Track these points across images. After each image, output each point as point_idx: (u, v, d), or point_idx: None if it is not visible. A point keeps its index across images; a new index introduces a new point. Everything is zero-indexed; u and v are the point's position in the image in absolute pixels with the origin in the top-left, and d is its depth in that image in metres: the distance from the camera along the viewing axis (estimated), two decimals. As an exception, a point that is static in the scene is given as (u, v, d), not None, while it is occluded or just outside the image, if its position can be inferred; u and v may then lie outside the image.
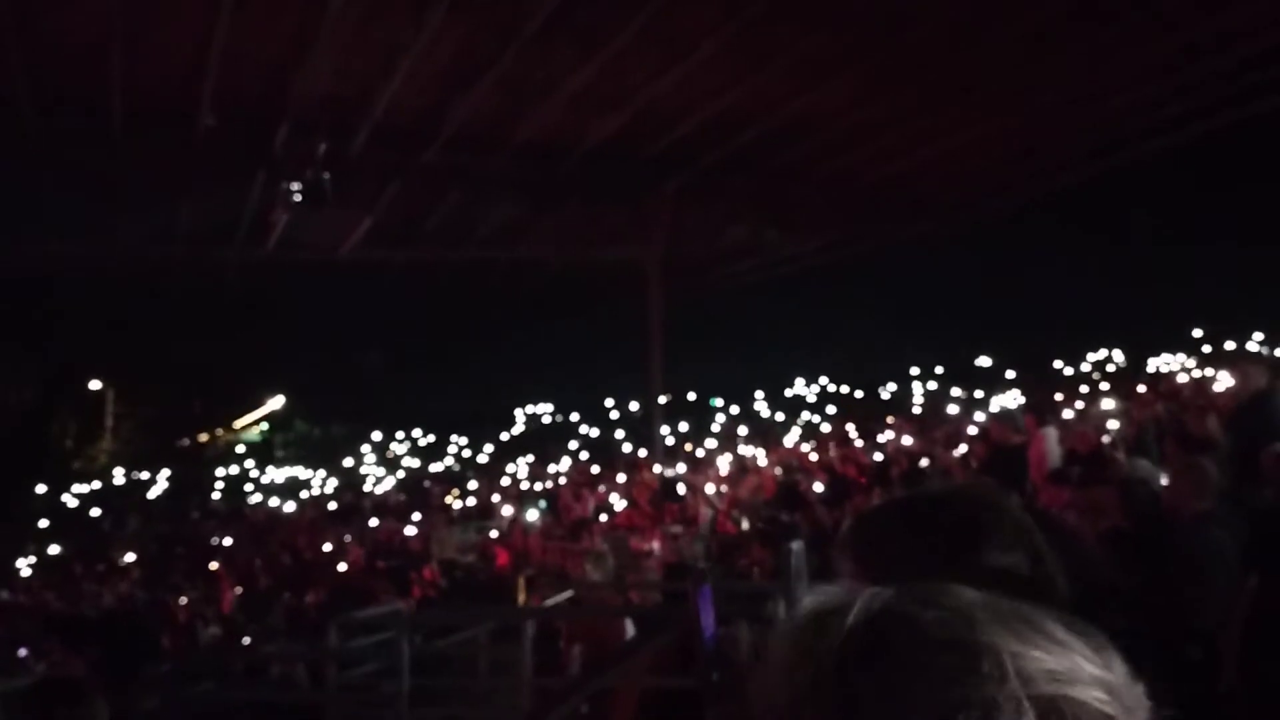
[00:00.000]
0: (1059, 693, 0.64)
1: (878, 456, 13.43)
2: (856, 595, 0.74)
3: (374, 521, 19.85)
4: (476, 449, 33.94)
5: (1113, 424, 10.61)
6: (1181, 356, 20.14)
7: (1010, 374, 22.42)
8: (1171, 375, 18.11)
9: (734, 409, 29.18)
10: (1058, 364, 22.33)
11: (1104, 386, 18.04)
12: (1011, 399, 18.65)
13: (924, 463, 11.70)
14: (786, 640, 0.75)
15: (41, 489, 34.12)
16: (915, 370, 25.74)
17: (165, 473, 36.79)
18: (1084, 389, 17.82)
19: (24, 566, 22.43)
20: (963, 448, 11.75)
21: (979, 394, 21.11)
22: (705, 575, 1.85)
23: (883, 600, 0.73)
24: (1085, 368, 21.94)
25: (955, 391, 22.86)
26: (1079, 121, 15.78)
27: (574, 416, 34.18)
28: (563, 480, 21.57)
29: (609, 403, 34.37)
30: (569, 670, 6.71)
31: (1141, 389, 15.77)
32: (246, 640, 10.47)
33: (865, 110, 14.48)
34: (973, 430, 13.34)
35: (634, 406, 29.12)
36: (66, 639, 14.03)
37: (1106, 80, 14.03)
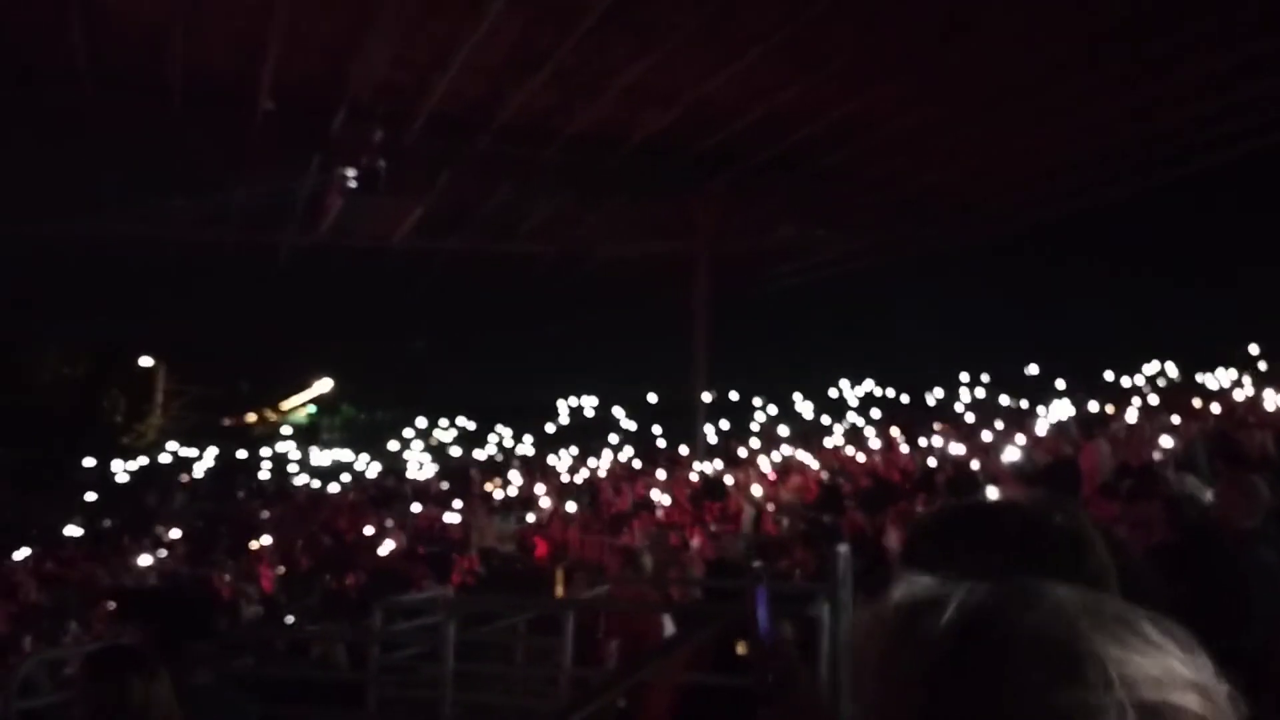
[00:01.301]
0: (1161, 699, 0.63)
1: (924, 462, 13.32)
2: (950, 589, 0.72)
3: (416, 507, 20.02)
4: (519, 439, 34.10)
5: (1166, 440, 10.44)
6: (1233, 372, 19.78)
7: (1060, 384, 22.10)
8: (1225, 391, 17.79)
9: (774, 409, 29.04)
10: (1108, 375, 21.99)
11: (1154, 400, 17.75)
12: (1061, 409, 18.40)
13: (973, 469, 11.58)
14: (878, 633, 0.73)
15: (90, 462, 34.79)
16: (963, 377, 25.46)
17: (212, 451, 37.35)
18: (1136, 402, 17.56)
19: (71, 539, 22.87)
20: (1015, 455, 11.59)
21: (1025, 403, 20.87)
22: (762, 575, 1.83)
23: (979, 598, 0.70)
24: (1138, 380, 21.60)
25: (1003, 400, 22.57)
26: (1132, 133, 15.55)
27: (617, 410, 34.17)
28: (604, 473, 21.60)
29: (652, 398, 34.36)
30: (606, 663, 6.72)
31: (1195, 403, 15.51)
32: (289, 619, 10.61)
33: (915, 115, 14.37)
34: (1022, 439, 13.18)
35: (677, 403, 29.13)
36: (115, 611, 14.28)
37: (1161, 92, 13.81)
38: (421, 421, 38.98)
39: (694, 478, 17.37)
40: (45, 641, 11.29)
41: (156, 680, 3.06)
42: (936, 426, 18.19)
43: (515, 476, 23.17)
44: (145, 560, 16.81)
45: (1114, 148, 16.24)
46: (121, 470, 35.19)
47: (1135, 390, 20.55)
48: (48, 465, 32.73)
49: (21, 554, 20.57)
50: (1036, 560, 1.36)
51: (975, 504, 1.78)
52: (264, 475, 35.52)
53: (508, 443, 34.78)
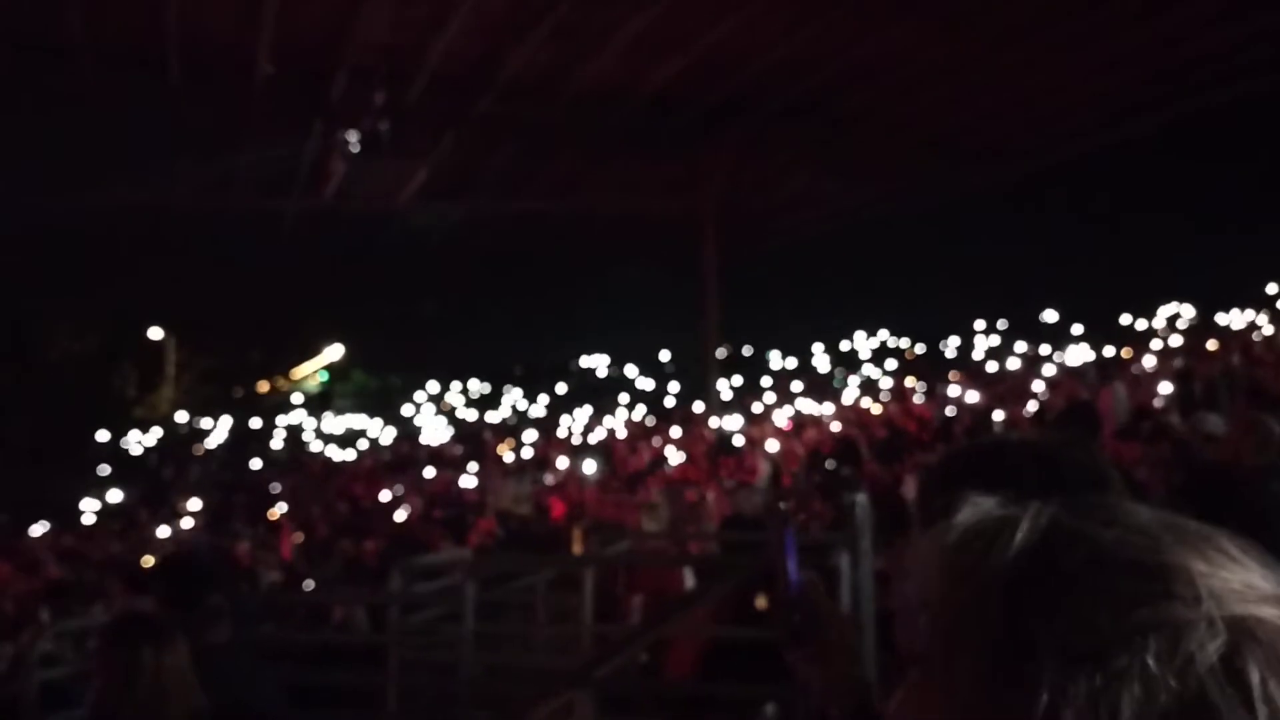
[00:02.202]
0: (1247, 612, 0.61)
1: (941, 411, 13.25)
2: (1018, 510, 0.68)
3: (430, 472, 20.09)
4: (532, 400, 34.21)
5: (1165, 387, 10.38)
6: (1251, 313, 19.64)
7: (1077, 329, 21.97)
8: (1244, 331, 17.64)
9: (791, 363, 29.01)
10: (1125, 319, 21.84)
11: (1173, 342, 17.60)
12: (1078, 354, 18.29)
13: (993, 418, 11.51)
14: (945, 558, 0.69)
15: (104, 436, 35.01)
16: (979, 324, 25.35)
17: (226, 421, 37.54)
18: (1154, 345, 17.42)
19: (87, 512, 23.04)
20: (1032, 404, 11.51)
21: (1045, 349, 20.71)
22: (788, 519, 1.76)
23: (1052, 517, 0.67)
24: (1155, 324, 21.46)
25: (1020, 346, 22.45)
26: (1150, 66, 15.24)
27: (629, 370, 34.24)
28: (619, 433, 21.61)
29: (664, 356, 34.40)
30: (628, 620, 6.73)
31: (1212, 345, 15.38)
32: (308, 586, 10.66)
33: (928, 56, 14.12)
34: (1039, 386, 13.09)
35: (690, 359, 29.13)
36: (130, 582, 14.40)
37: (1179, 23, 13.51)
38: (433, 386, 39.10)
39: (709, 434, 17.35)
40: (66, 616, 11.36)
41: (170, 648, 3.05)
42: (953, 375, 18.12)
43: (529, 438, 23.22)
44: (164, 532, 16.93)
45: (1132, 82, 15.94)
46: (135, 443, 35.43)
47: (1152, 333, 20.43)
48: (62, 440, 32.96)
49: (38, 529, 20.76)
50: (1051, 495, 1.32)
51: (986, 443, 1.76)
52: (278, 444, 35.72)
53: (520, 405, 34.89)
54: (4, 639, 9.17)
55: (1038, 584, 0.64)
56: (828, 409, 17.64)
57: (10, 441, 33.29)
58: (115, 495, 24.61)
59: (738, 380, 25.34)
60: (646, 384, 32.57)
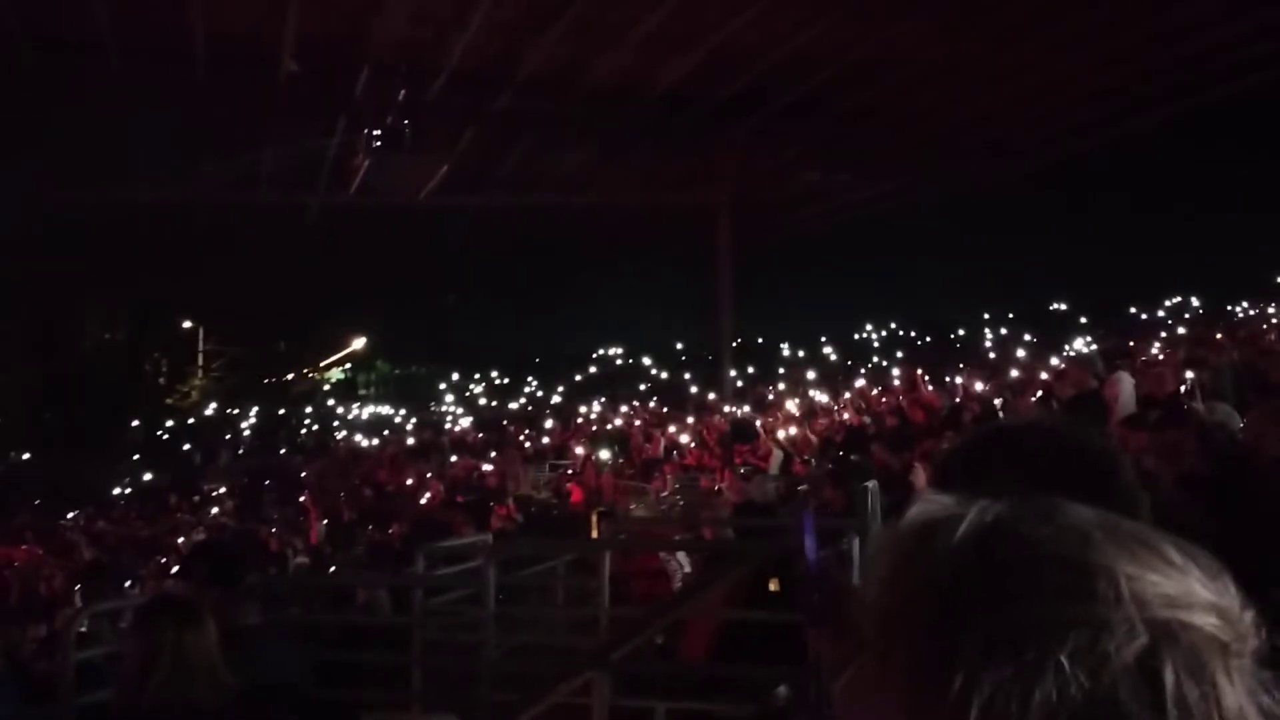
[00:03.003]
0: (1173, 617, 0.62)
1: (950, 400, 13.37)
2: (967, 507, 0.71)
3: (453, 458, 20.33)
4: (550, 389, 34.43)
5: (1188, 373, 10.43)
6: (1259, 303, 19.55)
7: (1084, 319, 22.01)
8: (1252, 321, 17.65)
9: (801, 353, 29.10)
10: (1133, 309, 21.83)
11: (1181, 332, 17.66)
12: (1086, 344, 18.35)
13: (998, 406, 11.63)
14: (892, 548, 0.72)
15: (135, 423, 35.51)
16: (986, 315, 25.39)
17: (254, 409, 37.94)
18: (1160, 334, 17.48)
19: (120, 497, 23.43)
20: (1038, 392, 11.63)
21: (1052, 339, 20.80)
22: (808, 502, 1.91)
23: (995, 513, 0.70)
24: (1161, 313, 21.44)
25: (1027, 336, 22.54)
26: (1158, 60, 15.30)
27: (645, 360, 34.38)
28: (635, 421, 21.82)
29: (679, 345, 34.54)
30: (634, 595, 6.90)
31: (1219, 335, 15.44)
32: (333, 569, 10.91)
33: (938, 51, 14.24)
34: (1046, 375, 13.18)
35: (703, 349, 29.25)
36: (163, 565, 14.74)
37: (1187, 17, 13.57)
38: (454, 375, 39.40)
39: (722, 422, 17.52)
40: (100, 598, 11.63)
41: (199, 628, 3.14)
42: (961, 365, 18.20)
43: (548, 425, 23.44)
44: (194, 517, 17.24)
45: (1139, 76, 16.02)
46: (167, 430, 35.87)
47: (1160, 322, 20.43)
48: (95, 427, 33.41)
49: (73, 514, 21.15)
50: (1064, 479, 1.37)
51: (1000, 427, 1.76)
52: (305, 432, 36.08)
53: (539, 394, 35.12)
54: (40, 620, 9.48)
55: (969, 576, 0.66)
56: (838, 397, 17.79)
57: (45, 428, 33.84)
58: (147, 481, 24.99)
59: (750, 369, 25.46)
60: (661, 373, 32.69)
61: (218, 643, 3.18)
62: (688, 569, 7.10)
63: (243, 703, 3.12)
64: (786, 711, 4.65)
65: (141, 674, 3.09)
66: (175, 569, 11.71)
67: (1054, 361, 14.11)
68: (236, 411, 38.09)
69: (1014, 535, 0.68)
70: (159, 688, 3.05)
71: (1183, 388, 10.48)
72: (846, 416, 14.63)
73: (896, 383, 15.55)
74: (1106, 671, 0.60)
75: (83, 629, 6.55)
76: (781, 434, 13.69)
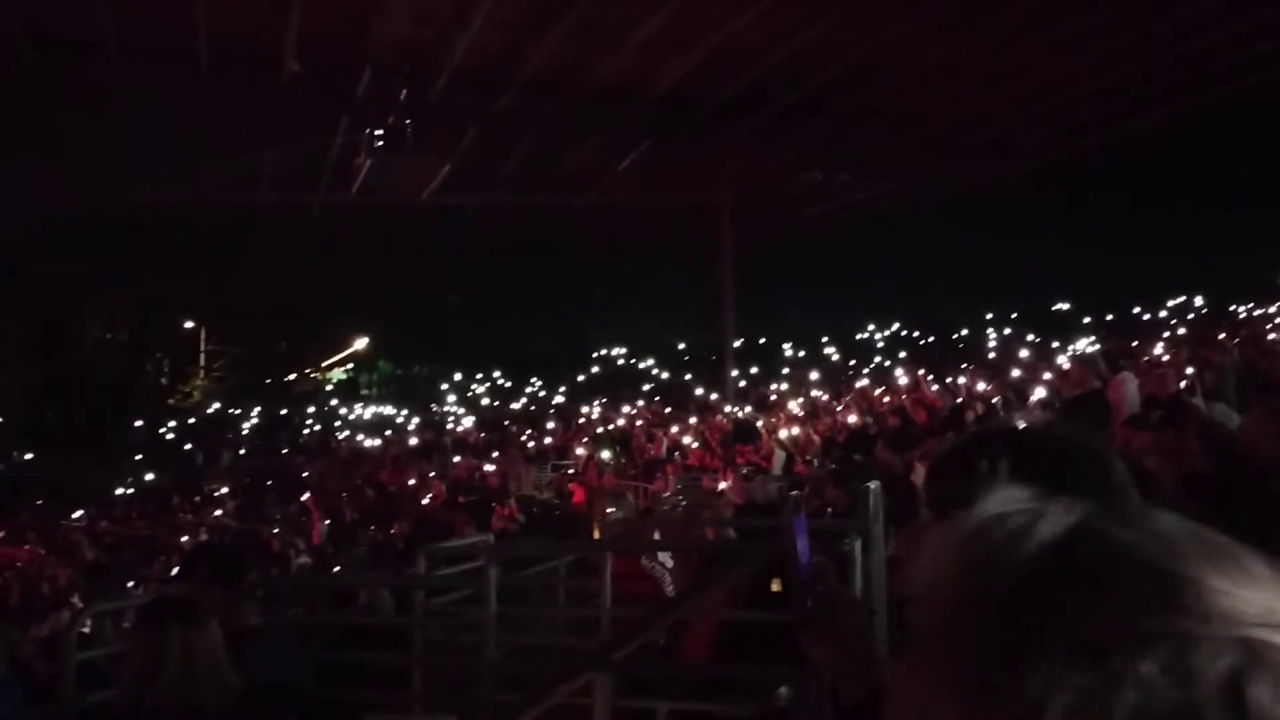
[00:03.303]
0: (1261, 636, 0.60)
1: (952, 400, 13.38)
2: (1045, 504, 0.69)
3: (455, 458, 20.36)
4: (552, 390, 34.47)
5: (1188, 371, 10.44)
6: (1261, 303, 19.53)
7: (1087, 319, 22.00)
8: (1254, 321, 17.65)
9: (803, 353, 29.13)
10: (1135, 309, 21.83)
11: (1183, 332, 17.65)
12: (1088, 344, 18.36)
13: (999, 407, 11.64)
14: (961, 542, 0.69)
15: (137, 423, 35.57)
16: (989, 315, 25.41)
17: (256, 409, 38.02)
18: (1164, 334, 17.48)
19: (122, 497, 23.46)
20: (1040, 392, 11.63)
21: (1055, 340, 20.79)
22: (801, 505, 1.89)
23: (1078, 513, 0.68)
24: (1164, 313, 21.42)
25: (1030, 336, 22.52)
26: (1158, 60, 15.29)
27: (647, 360, 34.42)
28: (637, 421, 21.83)
29: (681, 345, 34.58)
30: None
31: (1221, 335, 15.44)
32: (336, 569, 10.94)
33: (938, 51, 14.24)
34: (1049, 376, 13.19)
35: (705, 350, 29.29)
36: (165, 565, 14.76)
37: (1189, 16, 13.57)
38: (457, 375, 39.48)
39: (724, 422, 17.53)
40: (102, 598, 11.67)
41: (201, 628, 3.15)
42: (964, 365, 18.21)
43: (550, 426, 23.46)
44: (195, 517, 17.27)
45: (1139, 75, 16.02)
46: (168, 430, 35.95)
47: (1162, 323, 20.42)
48: (97, 428, 33.48)
49: (75, 514, 21.18)
50: (1058, 479, 1.40)
51: (992, 427, 1.80)
52: (307, 432, 36.14)
53: (541, 394, 35.17)
54: (41, 619, 9.50)
55: (1049, 577, 0.64)
56: (840, 398, 17.81)
57: (47, 428, 33.91)
58: (149, 481, 25.04)
59: (752, 370, 25.47)
60: (663, 373, 32.73)
61: (221, 642, 3.18)
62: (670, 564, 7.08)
63: (246, 703, 3.12)
64: (788, 712, 4.65)
65: (146, 674, 3.10)
66: (177, 569, 11.74)
67: (1059, 361, 14.11)
68: (238, 411, 38.17)
69: (1098, 538, 0.65)
70: (164, 688, 3.05)
71: (1183, 384, 10.48)
72: (850, 418, 14.62)
73: (902, 381, 15.53)
74: (1193, 689, 0.58)
75: (85, 629, 6.56)
76: (784, 434, 13.69)
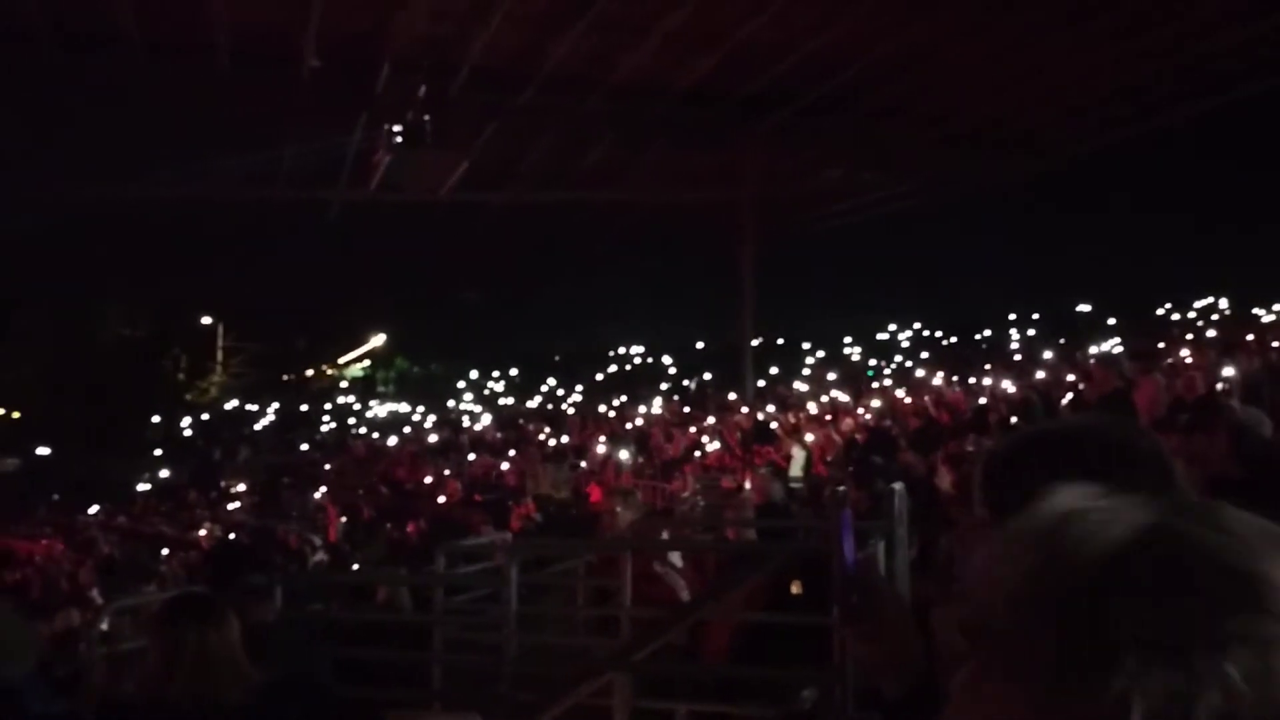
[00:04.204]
0: None
1: (974, 401, 13.29)
2: (1120, 501, 0.68)
3: (471, 457, 20.36)
4: (569, 388, 34.47)
5: (1227, 371, 10.34)
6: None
7: (1111, 321, 21.80)
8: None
9: (823, 353, 29.02)
10: (1160, 311, 21.62)
11: (1210, 334, 17.48)
12: (1112, 346, 18.21)
13: (1024, 409, 11.54)
14: (1034, 539, 0.68)
15: (155, 419, 35.77)
16: (1011, 316, 25.23)
17: (273, 405, 38.19)
18: (1188, 336, 17.31)
19: (140, 493, 23.57)
20: (1066, 394, 11.52)
21: (1078, 341, 20.64)
22: (845, 499, 1.82)
23: (1156, 511, 0.67)
24: (1190, 315, 21.21)
25: (1053, 338, 22.38)
26: (1189, 56, 15.10)
27: (665, 359, 34.38)
28: (654, 420, 21.78)
29: (699, 345, 34.51)
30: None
31: (1249, 337, 15.27)
32: (355, 567, 10.93)
33: (965, 46, 14.11)
34: (1072, 377, 13.07)
35: (725, 349, 29.23)
36: (182, 561, 14.80)
37: (1216, 12, 13.39)
38: (473, 373, 39.52)
39: (743, 422, 17.46)
40: (120, 593, 11.69)
41: (220, 625, 3.16)
42: (987, 366, 18.08)
43: (567, 424, 23.44)
44: (211, 513, 17.33)
45: (1164, 73, 15.84)
46: (186, 426, 36.15)
47: (1188, 325, 20.25)
48: (115, 423, 33.69)
49: (93, 509, 21.29)
50: (1120, 479, 1.31)
51: (1045, 428, 1.73)
52: (324, 428, 36.27)
53: (559, 392, 35.17)
54: (58, 614, 9.52)
55: (1132, 576, 0.63)
56: (860, 398, 17.72)
57: (66, 424, 34.15)
58: (166, 476, 25.17)
59: (772, 369, 25.39)
60: (682, 372, 32.68)
61: (240, 639, 3.16)
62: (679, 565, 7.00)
63: (266, 698, 3.12)
64: (813, 714, 4.59)
65: (164, 671, 3.11)
66: (197, 566, 11.76)
67: (1082, 362, 13.98)
68: (256, 408, 38.33)
69: (1177, 536, 0.64)
70: (183, 685, 3.06)
71: (1219, 385, 10.36)
72: (868, 417, 14.53)
73: (935, 381, 15.41)
74: (1276, 689, 0.58)
75: (103, 625, 6.56)
76: (810, 437, 13.60)
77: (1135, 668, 0.59)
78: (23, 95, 14.07)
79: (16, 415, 36.94)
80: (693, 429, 18.08)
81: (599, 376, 36.28)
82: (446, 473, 17.73)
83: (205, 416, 37.87)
